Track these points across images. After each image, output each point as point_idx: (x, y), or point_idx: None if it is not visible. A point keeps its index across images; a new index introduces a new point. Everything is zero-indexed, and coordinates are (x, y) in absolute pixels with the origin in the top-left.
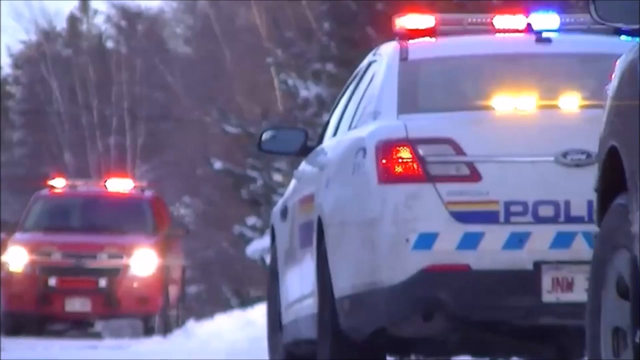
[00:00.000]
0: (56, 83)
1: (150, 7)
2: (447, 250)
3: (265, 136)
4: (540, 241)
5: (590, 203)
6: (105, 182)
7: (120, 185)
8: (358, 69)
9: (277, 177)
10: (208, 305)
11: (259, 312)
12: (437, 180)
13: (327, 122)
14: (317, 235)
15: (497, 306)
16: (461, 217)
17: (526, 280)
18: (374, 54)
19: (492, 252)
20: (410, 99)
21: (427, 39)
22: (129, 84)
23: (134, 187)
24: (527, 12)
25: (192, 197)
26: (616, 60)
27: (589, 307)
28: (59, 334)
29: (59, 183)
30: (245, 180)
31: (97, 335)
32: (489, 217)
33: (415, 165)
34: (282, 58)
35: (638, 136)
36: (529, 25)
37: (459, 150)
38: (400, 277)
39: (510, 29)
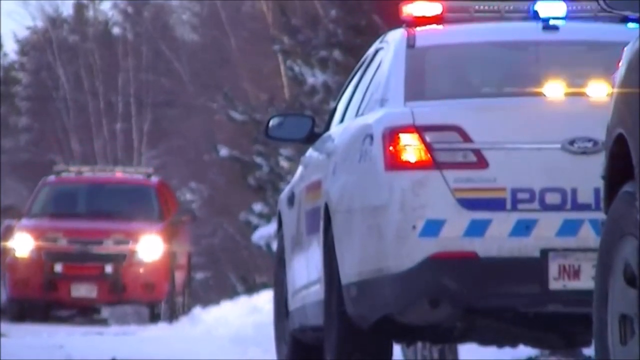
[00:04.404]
0: (62, 69)
1: None
2: (454, 237)
3: (272, 123)
4: (547, 228)
5: (597, 191)
6: (111, 168)
7: (126, 171)
8: (365, 56)
9: (284, 164)
10: (214, 291)
11: (265, 299)
12: (444, 167)
13: (334, 109)
14: (324, 222)
15: (504, 293)
16: (468, 204)
17: (533, 268)
18: (381, 41)
19: (499, 239)
20: (417, 86)
21: (434, 26)
22: (135, 70)
23: (141, 173)
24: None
25: (198, 184)
26: (623, 48)
27: (595, 294)
28: (64, 320)
29: (65, 169)
30: (252, 167)
31: (103, 322)
32: (496, 204)
33: (422, 152)
34: (288, 45)
35: None
36: (535, 12)
37: (466, 138)
38: (407, 264)
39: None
